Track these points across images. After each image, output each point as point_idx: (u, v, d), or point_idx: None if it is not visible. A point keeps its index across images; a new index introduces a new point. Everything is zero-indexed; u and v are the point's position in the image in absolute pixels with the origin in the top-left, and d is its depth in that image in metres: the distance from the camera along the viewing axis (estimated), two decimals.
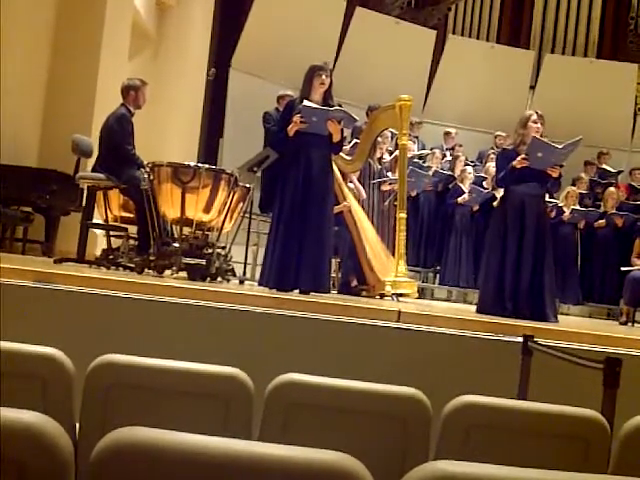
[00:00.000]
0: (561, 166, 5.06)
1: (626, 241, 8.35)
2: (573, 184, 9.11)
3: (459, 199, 8.74)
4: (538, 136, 5.00)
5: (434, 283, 9.41)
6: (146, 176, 5.28)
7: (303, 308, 3.77)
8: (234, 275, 5.81)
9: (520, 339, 3.14)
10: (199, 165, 5.31)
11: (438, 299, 9.08)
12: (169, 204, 5.22)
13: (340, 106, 5.10)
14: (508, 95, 11.12)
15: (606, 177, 10.05)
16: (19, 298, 3.52)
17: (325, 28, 10.43)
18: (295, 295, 4.63)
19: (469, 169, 8.99)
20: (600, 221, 8.76)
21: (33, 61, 7.48)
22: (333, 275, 6.03)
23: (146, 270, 5.14)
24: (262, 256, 5.21)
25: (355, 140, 6.56)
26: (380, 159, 6.90)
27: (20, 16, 7.08)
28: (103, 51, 7.82)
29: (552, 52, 12.51)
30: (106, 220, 5.92)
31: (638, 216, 8.85)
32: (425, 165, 8.91)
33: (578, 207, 8.70)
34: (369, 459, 1.10)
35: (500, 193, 8.50)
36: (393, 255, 5.88)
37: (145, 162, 5.44)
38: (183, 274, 5.12)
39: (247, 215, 6.20)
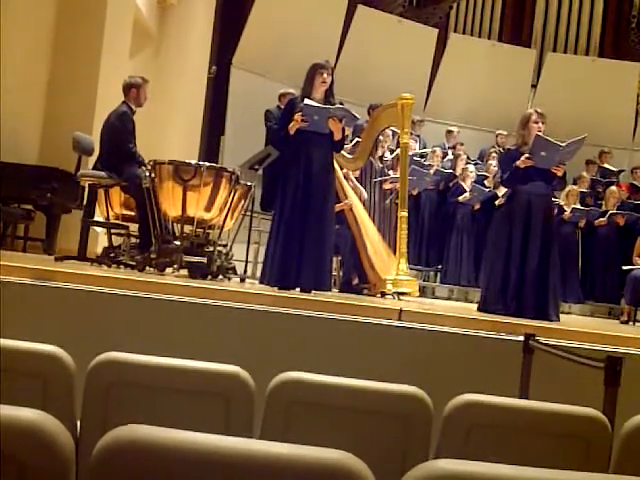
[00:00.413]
0: (564, 164, 5.04)
1: (627, 240, 8.35)
2: (574, 183, 9.10)
3: (460, 198, 8.74)
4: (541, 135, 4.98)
5: (435, 282, 9.41)
6: (147, 174, 5.28)
7: (304, 306, 3.77)
8: (235, 273, 5.81)
9: (521, 338, 3.14)
10: (200, 163, 5.31)
11: (439, 298, 9.08)
12: (170, 202, 5.21)
13: (341, 104, 5.10)
14: (510, 94, 11.11)
15: (607, 176, 10.05)
16: (20, 296, 3.52)
17: (327, 26, 10.42)
18: (296, 293, 4.64)
19: (471, 167, 8.98)
20: (601, 219, 8.75)
21: (34, 59, 7.48)
22: (334, 273, 6.02)
23: (147, 268, 5.14)
24: (263, 254, 5.21)
25: (357, 139, 6.56)
26: (381, 157, 6.89)
27: (21, 14, 7.08)
28: (104, 49, 7.82)
29: (554, 51, 12.49)
30: (107, 218, 5.92)
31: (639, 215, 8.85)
32: (426, 164, 8.90)
33: (579, 206, 8.70)
34: (370, 457, 1.10)
35: (501, 192, 8.54)
36: (394, 254, 5.88)
37: (146, 160, 5.44)
38: (184, 272, 5.12)
39: (248, 213, 6.20)
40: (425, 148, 9.57)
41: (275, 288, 4.80)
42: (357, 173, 6.48)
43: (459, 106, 11.14)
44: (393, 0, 11.84)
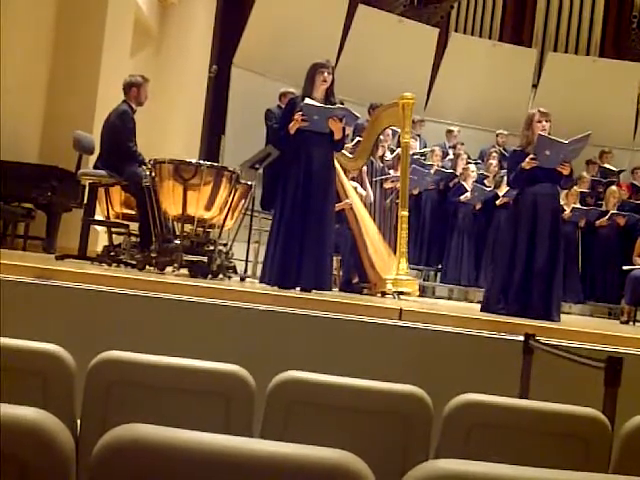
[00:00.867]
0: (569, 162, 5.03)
1: (627, 240, 8.35)
2: (575, 183, 9.10)
3: (461, 197, 8.73)
4: (545, 134, 4.97)
5: (435, 281, 9.41)
6: (148, 173, 5.28)
7: (304, 306, 3.77)
8: (235, 272, 5.81)
9: (521, 338, 3.14)
10: (201, 162, 5.30)
11: (439, 297, 9.08)
12: (171, 201, 5.21)
13: (342, 104, 5.10)
14: (510, 93, 11.11)
15: (608, 176, 10.05)
16: (20, 295, 3.52)
17: (327, 26, 10.42)
18: (296, 293, 4.64)
19: (472, 167, 8.98)
20: (602, 219, 8.75)
21: (35, 57, 7.48)
22: (334, 273, 6.03)
23: (147, 267, 5.14)
24: (263, 254, 5.21)
25: (357, 138, 6.56)
26: (382, 157, 6.89)
27: (22, 12, 7.08)
28: (105, 48, 7.82)
29: (555, 50, 12.48)
30: (107, 217, 5.92)
31: None
32: (427, 164, 8.90)
33: (579, 206, 8.70)
34: (370, 457, 1.10)
35: (502, 191, 8.56)
36: (395, 253, 5.88)
37: (147, 159, 5.43)
38: (184, 271, 5.12)
39: (248, 212, 6.20)
40: (425, 148, 9.57)
41: (275, 287, 4.80)
42: (356, 172, 6.48)
43: (460, 106, 11.14)
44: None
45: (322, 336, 3.58)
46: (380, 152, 6.79)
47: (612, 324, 6.98)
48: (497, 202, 8.67)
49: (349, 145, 6.31)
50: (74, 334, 3.19)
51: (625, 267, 7.57)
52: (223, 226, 5.50)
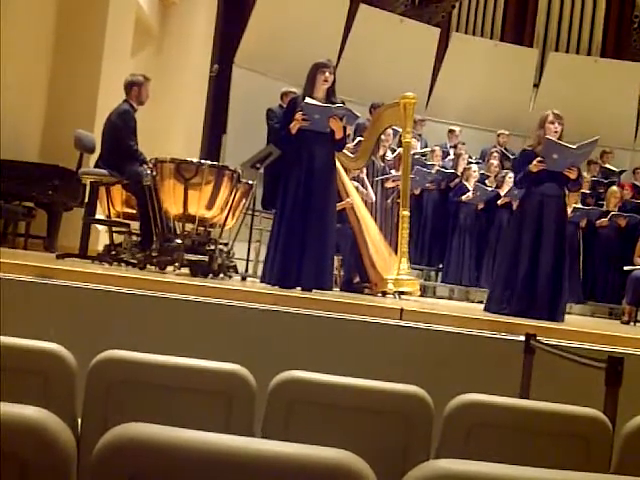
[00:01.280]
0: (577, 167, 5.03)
1: (628, 240, 8.35)
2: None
3: (463, 197, 8.73)
4: (556, 137, 4.98)
5: (436, 281, 9.40)
6: (149, 172, 5.28)
7: (305, 305, 3.77)
8: (236, 272, 5.81)
9: (522, 338, 3.14)
10: (202, 161, 5.30)
11: (440, 297, 9.07)
12: (172, 200, 5.21)
13: (343, 103, 5.10)
14: (511, 93, 11.11)
15: (609, 176, 10.04)
16: (21, 293, 3.52)
17: (329, 25, 10.42)
18: (297, 292, 4.64)
19: (474, 167, 8.97)
20: (603, 220, 8.75)
21: (36, 56, 7.48)
22: (335, 272, 6.02)
23: (148, 266, 5.15)
24: (264, 253, 5.21)
25: (359, 138, 6.56)
26: (383, 157, 6.89)
27: (22, 11, 7.08)
28: (106, 47, 7.82)
29: (556, 50, 12.48)
30: (108, 216, 5.92)
31: None
32: (428, 163, 8.90)
33: (580, 206, 8.69)
34: (371, 457, 1.10)
35: (504, 191, 8.56)
36: (396, 253, 5.88)
37: (148, 158, 5.44)
38: (185, 270, 5.12)
39: (250, 212, 6.20)
40: (427, 147, 9.57)
41: (276, 287, 4.79)
42: (357, 172, 6.48)
43: (461, 105, 11.14)
44: None
45: (323, 336, 3.58)
46: (381, 152, 6.78)
47: (613, 324, 6.98)
48: (499, 202, 8.67)
49: (350, 145, 6.31)
50: (75, 333, 3.19)
51: (626, 268, 7.57)
52: (224, 225, 5.50)
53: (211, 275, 5.16)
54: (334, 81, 5.10)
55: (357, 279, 6.22)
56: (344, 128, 5.10)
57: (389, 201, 6.59)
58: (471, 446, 1.71)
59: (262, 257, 5.65)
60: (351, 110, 5.06)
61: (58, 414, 1.09)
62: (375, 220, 6.37)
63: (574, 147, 4.91)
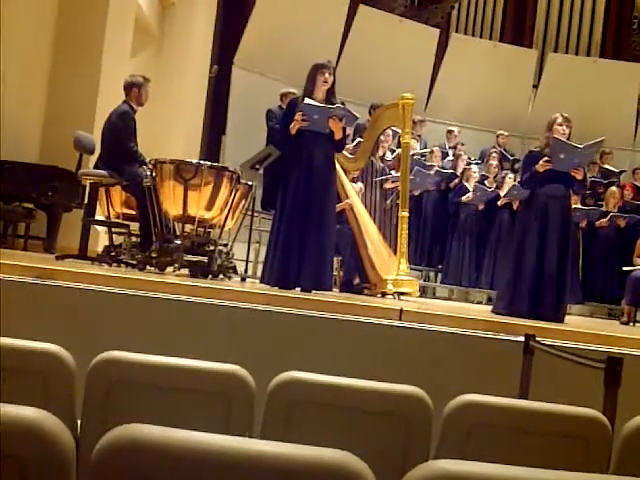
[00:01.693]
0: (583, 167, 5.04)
1: (628, 241, 8.35)
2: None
3: (463, 198, 8.73)
4: (564, 139, 4.99)
5: (436, 282, 9.40)
6: (148, 173, 5.28)
7: (305, 306, 3.77)
8: (236, 273, 5.81)
9: (522, 338, 3.14)
10: (201, 162, 5.31)
11: (440, 298, 9.07)
12: (171, 201, 5.21)
13: (343, 104, 5.10)
14: (511, 94, 11.12)
15: (608, 177, 10.04)
16: (21, 294, 3.52)
17: (328, 26, 10.42)
18: (297, 293, 4.64)
19: (474, 168, 8.97)
20: (602, 220, 8.75)
21: (35, 57, 7.48)
22: (335, 273, 6.03)
23: (148, 267, 5.15)
24: (264, 254, 5.20)
25: (358, 138, 6.56)
26: (382, 157, 6.89)
27: (22, 11, 7.08)
28: (105, 48, 7.82)
29: (555, 51, 12.49)
30: (108, 217, 5.92)
31: None
32: (428, 164, 8.90)
33: (580, 206, 8.69)
34: (370, 457, 1.10)
35: (504, 192, 8.56)
36: (395, 253, 5.88)
37: (147, 159, 5.44)
38: (185, 271, 5.12)
39: (249, 213, 6.20)
40: (426, 148, 9.57)
41: (276, 288, 4.79)
42: (357, 173, 6.48)
43: (460, 106, 11.14)
44: (394, 0, 11.83)
45: (322, 336, 3.58)
46: (380, 152, 6.78)
47: (612, 324, 6.98)
48: (499, 203, 8.67)
49: (350, 146, 6.31)
50: (74, 334, 3.18)
51: (625, 268, 7.57)
52: (224, 226, 5.50)
53: (210, 276, 5.16)
54: (334, 82, 5.10)
55: (357, 280, 6.22)
56: (343, 129, 5.10)
57: (388, 202, 6.59)
58: (470, 446, 1.71)
59: (262, 258, 5.65)
60: (350, 111, 5.06)
61: (57, 415, 1.09)
62: (374, 221, 6.37)
63: (580, 147, 4.93)
